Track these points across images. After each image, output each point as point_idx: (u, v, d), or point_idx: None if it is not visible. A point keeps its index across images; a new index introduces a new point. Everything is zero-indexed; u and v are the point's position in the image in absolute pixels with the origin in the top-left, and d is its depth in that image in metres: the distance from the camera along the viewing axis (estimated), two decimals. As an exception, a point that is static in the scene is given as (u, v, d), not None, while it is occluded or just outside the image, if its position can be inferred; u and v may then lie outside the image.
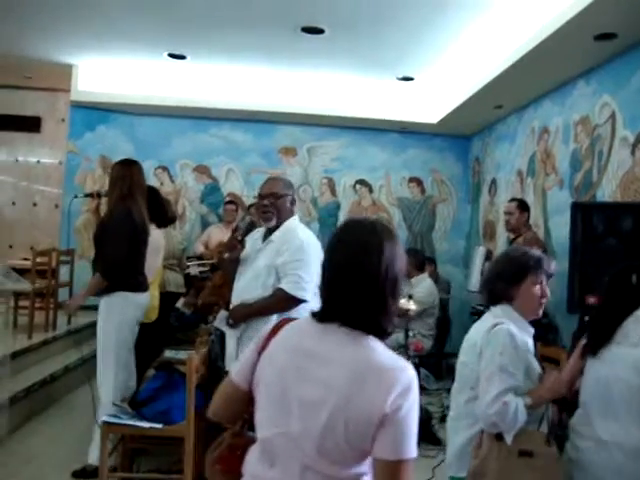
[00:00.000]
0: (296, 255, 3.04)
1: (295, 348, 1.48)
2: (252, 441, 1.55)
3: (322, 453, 1.37)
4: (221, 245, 6.47)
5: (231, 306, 3.13)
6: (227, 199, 7.40)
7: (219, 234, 6.93)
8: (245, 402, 1.58)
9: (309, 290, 2.99)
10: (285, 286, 3.01)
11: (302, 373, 1.42)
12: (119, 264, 3.52)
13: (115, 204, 3.64)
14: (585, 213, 3.95)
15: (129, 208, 3.59)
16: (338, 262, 1.50)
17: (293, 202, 3.23)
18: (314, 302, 3.10)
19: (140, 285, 3.71)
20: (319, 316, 1.49)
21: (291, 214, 3.21)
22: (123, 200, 3.61)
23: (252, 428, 1.55)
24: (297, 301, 3.00)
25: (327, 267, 1.53)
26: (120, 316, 3.57)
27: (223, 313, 3.19)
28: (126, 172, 3.69)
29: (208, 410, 1.67)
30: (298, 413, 1.40)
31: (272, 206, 3.15)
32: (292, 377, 1.43)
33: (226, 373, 3.11)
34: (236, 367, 1.62)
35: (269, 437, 1.45)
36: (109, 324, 3.55)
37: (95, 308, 3.67)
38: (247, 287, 3.10)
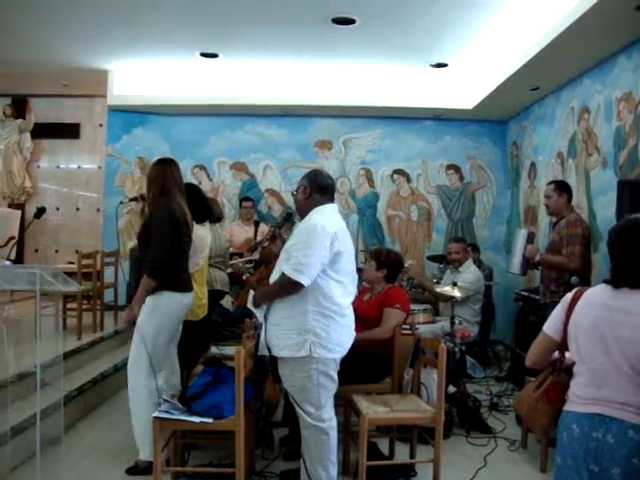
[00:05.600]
0: (300, 237, 3.06)
1: (601, 306, 2.05)
2: (565, 379, 2.22)
3: (636, 370, 1.96)
4: (248, 242, 6.55)
5: None
6: (244, 197, 7.43)
7: (241, 232, 6.99)
8: (553, 351, 2.26)
9: (306, 273, 2.96)
10: (285, 268, 3.01)
11: (612, 321, 2.00)
12: (164, 263, 3.50)
13: (154, 204, 3.62)
14: (632, 191, 3.84)
15: (168, 206, 3.56)
16: (625, 246, 2.06)
17: (305, 190, 3.22)
18: (336, 287, 3.09)
19: (185, 284, 3.70)
20: (613, 283, 2.06)
21: (310, 202, 3.21)
22: (161, 199, 3.60)
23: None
24: (296, 284, 2.98)
25: (619, 251, 2.09)
26: (163, 316, 3.57)
27: (252, 293, 3.26)
28: (161, 171, 3.67)
29: (527, 360, 2.34)
30: (617, 347, 1.98)
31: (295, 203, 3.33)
32: (605, 325, 2.02)
33: (262, 358, 3.18)
34: (548, 326, 2.25)
35: (595, 367, 2.04)
36: (150, 323, 3.54)
37: None
38: (274, 273, 3.19)
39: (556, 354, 2.26)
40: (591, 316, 2.07)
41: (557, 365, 2.27)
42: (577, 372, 2.15)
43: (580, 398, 2.09)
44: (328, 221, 3.09)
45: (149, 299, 3.57)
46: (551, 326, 2.24)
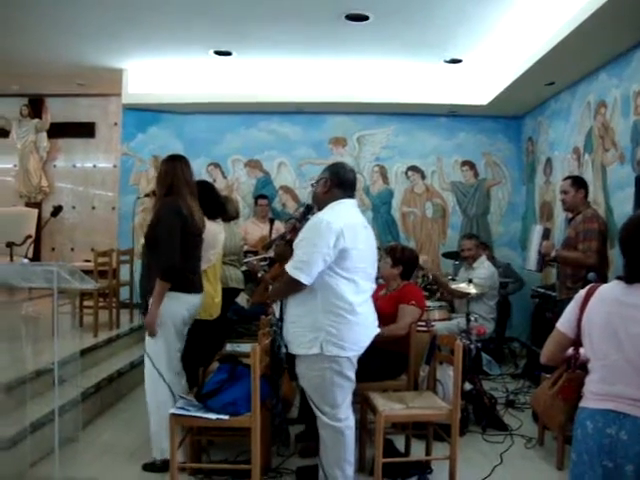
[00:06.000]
0: (304, 234, 3.03)
1: (613, 302, 2.05)
2: (581, 376, 2.23)
3: None
4: (263, 239, 6.56)
5: None
6: (259, 194, 7.44)
7: (256, 229, 7.00)
8: (567, 347, 2.27)
9: (305, 271, 2.92)
10: (287, 266, 3.00)
11: (625, 318, 2.00)
12: (175, 264, 3.41)
13: (162, 202, 3.54)
14: (650, 186, 3.80)
15: (174, 206, 3.48)
16: (637, 242, 2.06)
17: (325, 183, 3.17)
18: (345, 284, 3.05)
19: (193, 285, 3.62)
20: (626, 279, 2.06)
21: (328, 195, 3.16)
22: (167, 198, 3.52)
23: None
24: (296, 282, 2.95)
25: (630, 246, 2.08)
26: (169, 317, 3.49)
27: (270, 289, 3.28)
28: (170, 168, 3.59)
29: (541, 357, 2.32)
30: (630, 344, 1.97)
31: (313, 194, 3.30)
32: (618, 321, 2.01)
33: (280, 361, 3.18)
34: (562, 323, 2.25)
35: (609, 364, 2.03)
36: (158, 324, 3.48)
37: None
38: None
39: (570, 350, 2.25)
40: (604, 312, 2.08)
41: (572, 362, 2.27)
42: (591, 368, 2.14)
43: (594, 394, 2.09)
44: (337, 217, 3.02)
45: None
46: (565, 323, 2.24)
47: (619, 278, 2.10)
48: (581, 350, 2.22)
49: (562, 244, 4.83)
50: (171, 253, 3.41)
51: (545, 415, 2.40)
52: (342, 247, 2.97)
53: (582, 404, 2.17)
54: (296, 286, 2.98)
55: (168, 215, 3.47)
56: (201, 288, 3.74)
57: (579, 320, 2.16)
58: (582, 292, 2.21)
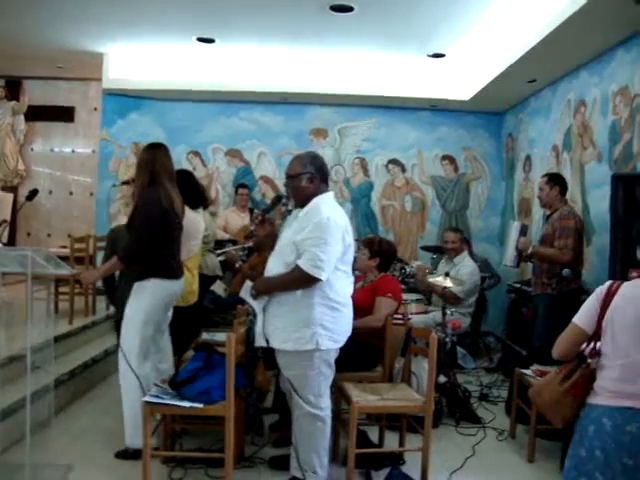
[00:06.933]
0: (315, 232, 2.99)
1: None
2: (593, 371, 2.22)
3: None
4: (245, 229, 6.53)
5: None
6: (240, 183, 7.41)
7: (237, 219, 6.97)
8: (583, 343, 2.25)
9: (325, 269, 2.95)
10: (302, 263, 2.97)
11: None
12: (139, 251, 3.46)
13: (142, 190, 3.55)
14: (626, 185, 3.85)
15: (156, 193, 3.50)
16: None
17: (313, 179, 3.14)
18: (342, 278, 3.09)
19: (173, 271, 3.65)
20: None
21: (314, 191, 3.13)
22: (149, 185, 3.53)
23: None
24: (313, 279, 2.96)
25: None
26: (149, 302, 3.54)
27: (248, 284, 3.20)
28: (150, 157, 3.60)
29: (554, 352, 2.33)
30: None
31: (289, 187, 3.23)
32: None
33: (256, 351, 3.18)
34: (580, 318, 2.26)
35: (630, 362, 2.08)
36: (137, 309, 3.53)
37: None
38: (272, 263, 3.15)
39: (591, 345, 2.25)
40: (632, 311, 2.10)
41: (587, 357, 2.29)
42: (607, 366, 2.16)
43: (610, 392, 2.12)
44: (338, 214, 3.10)
45: (135, 287, 3.56)
46: (583, 319, 2.25)
47: None
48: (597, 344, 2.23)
49: (539, 240, 4.88)
50: (139, 242, 3.46)
51: (550, 410, 2.37)
52: (347, 243, 3.09)
53: (593, 401, 2.18)
54: (310, 283, 2.99)
55: (147, 205, 3.49)
56: (181, 273, 3.77)
57: (600, 317, 2.18)
58: (603, 289, 2.22)
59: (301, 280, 2.99)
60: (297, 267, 2.98)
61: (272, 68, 7.03)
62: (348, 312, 3.18)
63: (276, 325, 3.08)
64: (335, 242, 2.99)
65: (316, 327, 3.01)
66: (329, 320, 3.04)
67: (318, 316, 3.02)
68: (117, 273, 3.99)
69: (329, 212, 3.05)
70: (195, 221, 4.06)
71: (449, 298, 5.48)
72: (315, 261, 2.94)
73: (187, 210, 3.83)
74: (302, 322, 3.02)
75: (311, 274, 2.95)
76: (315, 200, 3.11)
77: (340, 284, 3.10)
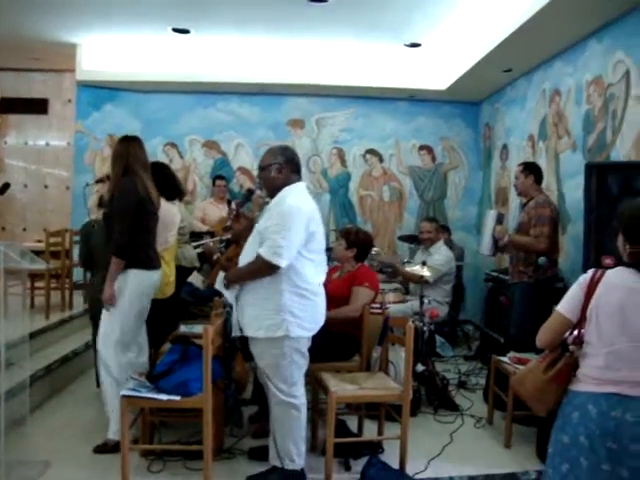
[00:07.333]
0: (277, 219, 3.03)
1: (626, 289, 2.11)
2: (576, 359, 2.25)
3: None
4: (223, 220, 6.50)
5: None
6: (217, 175, 7.37)
7: (215, 210, 6.94)
8: (567, 331, 2.27)
9: (284, 256, 2.96)
10: (262, 251, 3.00)
11: (638, 305, 2.08)
12: (129, 241, 3.48)
13: (117, 182, 3.57)
14: (599, 174, 3.88)
15: (132, 184, 3.52)
16: None
17: (281, 169, 3.18)
18: (309, 266, 3.09)
19: (151, 262, 3.68)
20: (637, 267, 2.13)
21: (284, 181, 3.17)
22: (124, 177, 3.55)
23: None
24: (273, 266, 2.98)
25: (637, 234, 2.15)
26: (130, 294, 3.55)
27: (222, 275, 3.24)
28: (124, 149, 3.62)
29: (538, 341, 2.34)
30: None
31: (261, 178, 3.28)
32: (632, 308, 2.09)
33: (233, 342, 3.18)
34: (564, 306, 2.27)
35: (615, 350, 2.10)
36: (118, 301, 3.53)
37: None
38: (244, 253, 3.19)
39: (575, 333, 2.26)
40: (616, 299, 2.12)
41: (569, 344, 2.30)
42: (592, 354, 2.18)
43: (595, 379, 2.15)
44: (303, 202, 3.12)
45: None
46: (567, 307, 2.27)
47: (627, 265, 2.16)
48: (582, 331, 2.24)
49: (515, 229, 4.92)
50: (125, 232, 3.46)
51: (535, 398, 2.37)
52: (312, 230, 3.07)
53: (577, 388, 2.20)
54: (271, 270, 3.00)
55: (124, 194, 3.51)
56: (159, 264, 3.78)
57: (585, 305, 2.19)
58: (587, 277, 2.23)
59: (263, 268, 3.01)
60: (258, 255, 3.01)
61: (249, 59, 6.98)
62: (319, 300, 3.20)
63: (249, 314, 3.11)
64: (297, 229, 3.00)
65: (285, 314, 3.03)
66: (298, 307, 3.06)
67: (287, 303, 3.04)
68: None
69: (293, 200, 3.08)
70: (171, 212, 4.07)
71: (412, 278, 5.54)
72: (274, 248, 2.96)
73: (163, 201, 3.83)
74: (272, 310, 3.04)
75: (270, 261, 2.96)
76: (284, 190, 3.15)
77: (308, 272, 3.11)
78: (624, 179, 3.82)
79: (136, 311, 3.62)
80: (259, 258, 3.01)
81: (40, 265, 3.58)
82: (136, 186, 3.52)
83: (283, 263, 2.97)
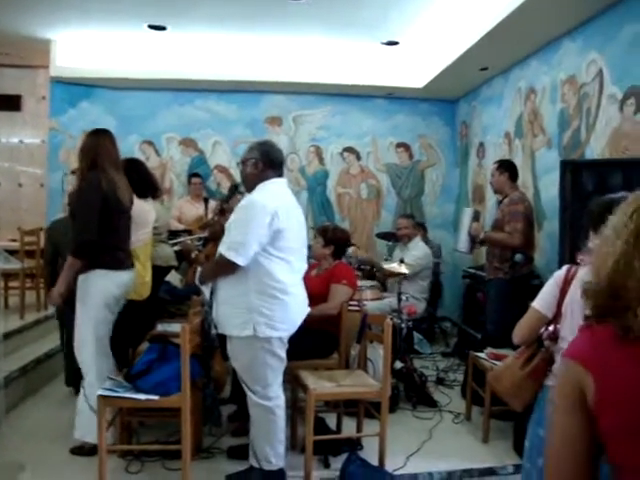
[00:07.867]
0: (237, 215, 3.02)
1: None
2: (551, 355, 2.27)
3: None
4: (200, 219, 6.47)
5: None
6: (192, 173, 7.33)
7: (191, 209, 6.90)
8: (542, 327, 2.29)
9: (242, 253, 2.91)
10: (221, 248, 2.99)
11: None
12: (89, 240, 3.30)
13: (82, 177, 3.43)
14: (574, 171, 3.94)
15: (96, 180, 3.35)
16: None
17: (256, 164, 3.14)
18: (278, 264, 3.04)
19: (120, 262, 3.51)
20: None
21: (259, 176, 3.13)
22: (89, 173, 3.39)
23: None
24: (232, 263, 2.94)
25: None
26: (97, 295, 3.39)
27: (199, 270, 3.25)
28: (93, 142, 3.47)
29: (515, 337, 2.36)
30: None
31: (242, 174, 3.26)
32: None
33: (212, 341, 3.17)
34: (539, 302, 2.31)
35: None
36: (85, 304, 3.39)
37: None
38: (218, 250, 3.14)
39: (550, 328, 2.29)
40: None
41: (545, 341, 2.33)
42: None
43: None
44: (269, 198, 3.03)
45: (81, 279, 3.40)
46: (542, 303, 2.31)
47: None
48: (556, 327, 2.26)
49: (492, 226, 4.97)
50: (86, 229, 3.30)
51: (511, 394, 2.40)
52: (276, 227, 2.97)
53: (553, 383, 2.20)
54: (230, 267, 2.96)
55: (87, 190, 3.37)
56: (131, 265, 3.66)
57: (559, 301, 2.22)
58: (561, 273, 2.26)
59: (223, 265, 2.99)
60: (218, 252, 3.00)
61: (226, 56, 6.93)
62: (291, 300, 3.09)
63: (222, 311, 3.09)
64: (257, 225, 2.93)
65: (252, 313, 2.99)
66: (267, 307, 3.00)
67: (255, 302, 2.99)
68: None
69: (258, 196, 3.04)
70: (143, 210, 3.93)
71: (389, 273, 5.55)
72: (232, 244, 2.94)
73: (135, 199, 3.71)
74: (242, 308, 3.00)
75: (228, 258, 2.93)
76: (259, 186, 3.12)
77: (278, 271, 3.03)
78: (598, 176, 3.87)
79: (107, 313, 3.48)
80: (219, 255, 2.99)
81: (14, 264, 3.53)
82: (100, 182, 3.35)
83: (239, 260, 2.91)
